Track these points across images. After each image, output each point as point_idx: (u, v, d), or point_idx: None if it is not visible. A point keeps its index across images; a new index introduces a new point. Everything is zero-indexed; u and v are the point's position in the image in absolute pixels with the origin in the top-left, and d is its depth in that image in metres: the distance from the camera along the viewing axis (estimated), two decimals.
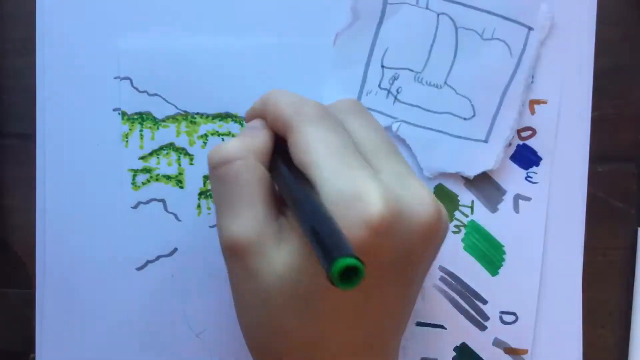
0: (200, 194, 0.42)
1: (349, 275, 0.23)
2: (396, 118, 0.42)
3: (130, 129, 0.42)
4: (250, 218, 0.30)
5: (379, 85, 0.42)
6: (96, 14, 0.42)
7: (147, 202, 0.42)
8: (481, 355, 0.43)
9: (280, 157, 0.33)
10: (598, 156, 0.43)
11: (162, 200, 0.42)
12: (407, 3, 0.41)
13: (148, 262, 0.43)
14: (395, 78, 0.41)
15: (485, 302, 0.43)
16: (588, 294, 0.43)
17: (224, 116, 0.42)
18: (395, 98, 0.42)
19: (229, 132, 0.42)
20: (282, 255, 0.30)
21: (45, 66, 0.42)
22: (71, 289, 0.43)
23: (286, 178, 0.31)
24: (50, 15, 0.42)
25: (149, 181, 0.42)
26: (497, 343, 0.43)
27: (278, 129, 0.33)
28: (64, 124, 0.42)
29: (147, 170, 0.42)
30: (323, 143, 0.29)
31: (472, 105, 0.41)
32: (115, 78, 0.42)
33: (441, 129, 0.42)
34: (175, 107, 0.42)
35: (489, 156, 0.42)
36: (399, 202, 0.28)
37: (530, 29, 0.41)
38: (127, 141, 0.42)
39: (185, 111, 0.42)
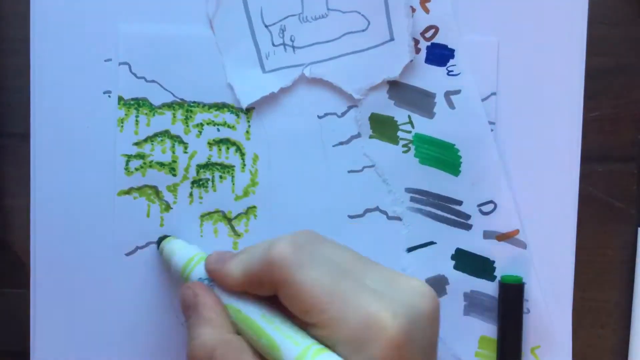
0: (192, 183, 0.42)
1: None
2: (303, 64, 0.42)
3: (126, 114, 0.42)
4: None
5: (273, 44, 0.42)
6: (92, 6, 0.42)
7: (139, 188, 0.42)
8: (478, 252, 0.43)
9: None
10: (598, 156, 0.43)
11: (155, 187, 0.42)
12: None
13: (137, 247, 0.42)
14: (283, 30, 0.42)
15: (460, 202, 0.43)
16: (588, 294, 0.43)
17: (221, 106, 0.42)
18: (293, 47, 0.42)
19: (225, 122, 0.42)
20: None
21: (37, 58, 0.42)
22: (62, 272, 0.43)
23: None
24: (44, 12, 0.42)
25: (142, 167, 0.42)
26: (487, 235, 0.43)
27: (259, 291, 0.32)
28: (57, 112, 0.42)
29: (140, 156, 0.42)
30: (317, 282, 0.30)
31: (362, 15, 0.42)
32: (105, 61, 0.42)
33: (348, 51, 0.42)
34: (173, 94, 0.42)
35: (402, 50, 0.42)
36: (405, 306, 0.29)
37: None
38: (122, 126, 0.42)
39: (182, 99, 0.42)
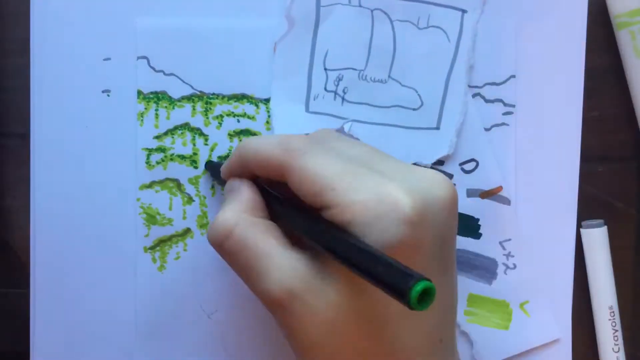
0: None
1: (422, 298, 0.24)
2: (346, 118, 0.42)
3: (145, 108, 0.42)
4: (279, 270, 0.30)
5: (325, 88, 0.42)
6: (93, 4, 0.42)
7: (161, 182, 0.42)
8: (462, 211, 0.43)
9: (278, 200, 0.34)
10: (598, 156, 0.44)
11: (176, 180, 0.42)
12: (339, 3, 0.42)
13: (161, 241, 0.42)
14: (339, 79, 0.42)
15: (441, 162, 0.43)
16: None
17: (240, 97, 0.43)
18: (343, 99, 0.42)
19: (244, 113, 0.43)
20: (327, 283, 0.29)
21: (37, 58, 0.42)
22: (62, 272, 0.42)
23: (304, 222, 0.31)
24: (44, 12, 0.42)
25: (163, 160, 0.42)
26: (471, 193, 0.43)
27: (269, 174, 0.33)
28: (57, 112, 0.42)
29: (161, 149, 0.42)
30: (326, 166, 0.30)
31: (418, 95, 0.42)
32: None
33: (392, 123, 0.42)
34: (191, 87, 0.42)
35: (442, 142, 0.42)
36: (419, 190, 0.29)
37: (464, 11, 0.42)
38: (142, 120, 0.42)
39: (201, 91, 0.42)
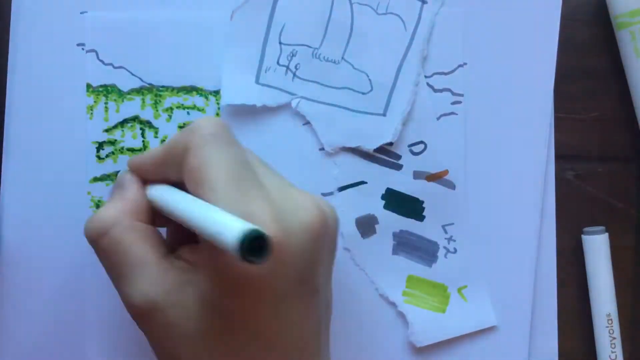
0: None
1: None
2: (295, 94, 0.43)
3: (95, 102, 0.42)
4: (145, 280, 0.30)
5: (278, 62, 0.42)
6: None
7: (112, 175, 0.42)
8: (408, 193, 0.44)
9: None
10: (598, 156, 0.44)
11: None
12: None
13: None
14: (293, 54, 0.42)
15: (390, 143, 0.43)
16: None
17: (189, 89, 0.43)
18: (294, 74, 0.43)
19: (194, 105, 0.43)
20: (192, 298, 0.30)
21: (17, 52, 0.42)
22: (33, 263, 0.42)
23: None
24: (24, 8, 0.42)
25: (113, 153, 0.42)
26: (417, 175, 0.43)
27: (177, 158, 0.32)
28: (29, 99, 0.42)
29: (111, 142, 0.42)
30: (217, 163, 0.30)
31: (369, 79, 0.43)
32: (78, 45, 0.42)
33: (340, 104, 0.43)
34: (141, 79, 0.42)
35: (387, 129, 0.43)
36: (285, 215, 0.29)
37: (423, 2, 0.43)
38: (91, 113, 0.42)
39: (150, 84, 0.42)
